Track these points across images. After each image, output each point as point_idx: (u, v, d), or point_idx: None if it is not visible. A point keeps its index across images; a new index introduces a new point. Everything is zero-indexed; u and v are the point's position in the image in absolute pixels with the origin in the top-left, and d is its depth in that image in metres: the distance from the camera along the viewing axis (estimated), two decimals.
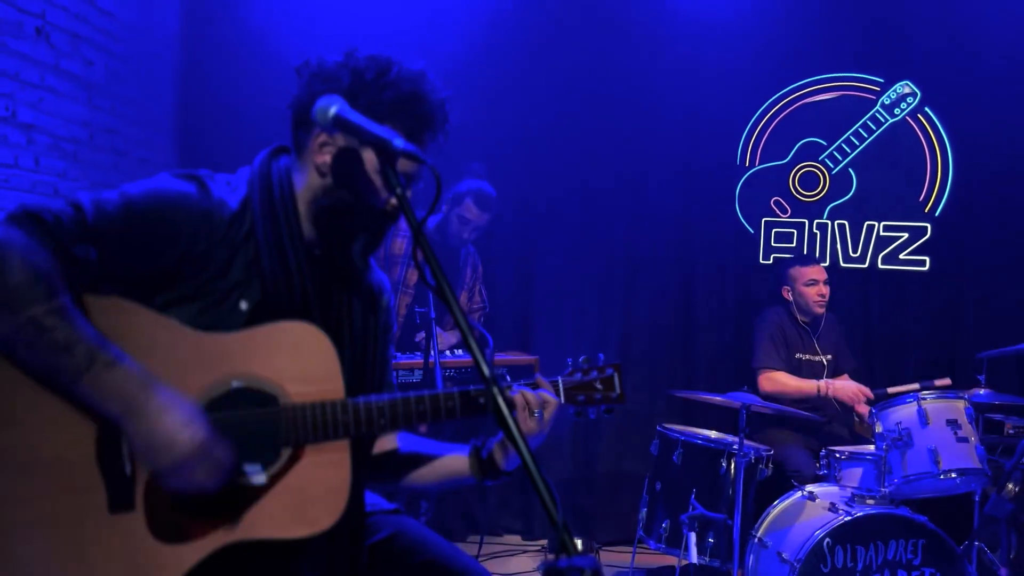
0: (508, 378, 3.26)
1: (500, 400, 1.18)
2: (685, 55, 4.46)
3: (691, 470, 3.52)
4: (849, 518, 3.00)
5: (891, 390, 3.71)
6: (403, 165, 1.41)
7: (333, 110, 1.35)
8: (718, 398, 3.36)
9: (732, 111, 4.52)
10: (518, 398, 1.60)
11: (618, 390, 1.72)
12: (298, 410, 1.39)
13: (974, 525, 3.55)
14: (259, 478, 1.34)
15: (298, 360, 1.40)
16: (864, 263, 4.47)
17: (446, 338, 3.38)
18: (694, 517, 2.83)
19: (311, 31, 4.31)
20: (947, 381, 3.66)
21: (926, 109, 4.41)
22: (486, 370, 1.20)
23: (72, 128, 3.60)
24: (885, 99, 4.44)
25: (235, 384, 1.37)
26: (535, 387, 1.64)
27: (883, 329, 4.46)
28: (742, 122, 4.53)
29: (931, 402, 3.19)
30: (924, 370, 4.19)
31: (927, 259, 4.41)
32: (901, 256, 4.44)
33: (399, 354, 3.14)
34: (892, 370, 4.38)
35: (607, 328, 4.54)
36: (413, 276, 3.50)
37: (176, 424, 1.29)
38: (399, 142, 1.32)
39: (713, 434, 3.74)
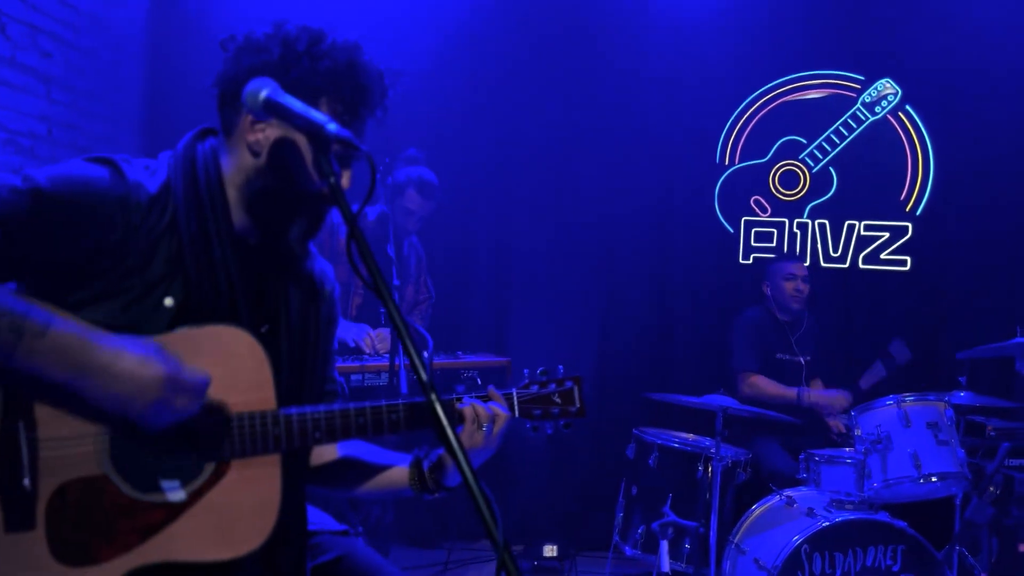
0: (479, 381, 3.17)
1: (438, 410, 1.09)
2: (665, 52, 4.38)
3: (667, 474, 3.43)
4: (828, 524, 2.92)
5: (863, 385, 3.67)
6: (362, 148, 1.31)
7: (264, 94, 1.25)
8: (695, 401, 3.27)
9: (711, 109, 4.44)
10: (467, 411, 1.52)
11: (578, 404, 1.64)
12: (223, 421, 1.29)
13: (955, 529, 3.49)
14: (177, 495, 1.24)
15: (225, 367, 1.29)
16: (845, 263, 4.40)
17: (389, 335, 3.24)
18: (666, 525, 2.75)
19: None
20: (907, 354, 3.61)
21: (907, 107, 4.35)
22: (424, 375, 1.10)
23: (29, 122, 3.48)
24: (866, 97, 4.38)
25: None
26: (487, 399, 1.54)
27: (863, 330, 4.39)
28: (721, 120, 4.46)
29: (911, 404, 3.12)
30: (905, 371, 4.13)
31: (908, 259, 4.35)
32: (882, 256, 4.38)
33: (366, 356, 3.03)
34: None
35: (585, 329, 4.46)
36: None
37: (134, 365, 1.20)
38: (333, 127, 1.22)
39: (691, 437, 3.67)
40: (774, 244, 4.43)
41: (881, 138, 4.38)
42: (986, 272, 4.27)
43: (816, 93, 4.41)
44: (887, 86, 4.35)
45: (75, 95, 3.76)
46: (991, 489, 3.73)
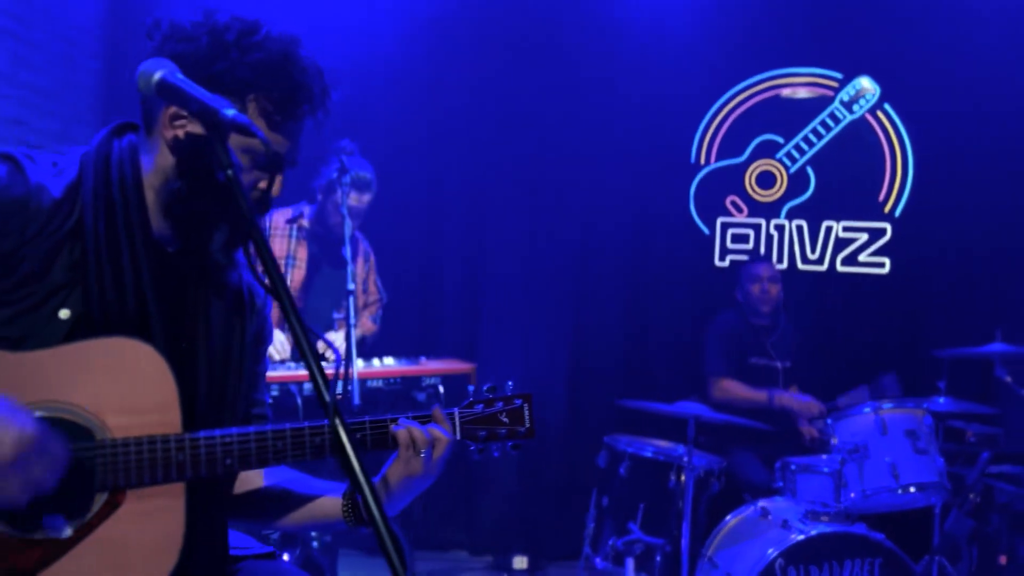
0: (440, 389, 3.04)
1: (342, 433, 0.96)
2: (639, 49, 4.27)
3: (638, 484, 3.32)
4: (803, 537, 2.81)
5: (840, 402, 3.57)
6: (264, 140, 1.17)
7: (157, 75, 1.13)
8: (666, 409, 3.16)
9: (687, 107, 4.34)
10: (402, 434, 1.37)
11: (527, 424, 1.50)
12: (119, 447, 1.15)
13: (934, 540, 3.39)
14: (62, 531, 1.10)
15: (124, 385, 1.16)
16: (823, 265, 4.31)
17: (334, 340, 3.11)
18: (630, 542, 2.63)
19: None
20: (895, 386, 3.53)
21: (885, 106, 4.26)
22: (326, 396, 0.97)
23: None
24: (844, 95, 4.28)
25: (38, 415, 1.11)
26: (425, 421, 1.41)
27: (842, 334, 4.30)
28: (696, 118, 4.35)
29: (889, 412, 3.02)
30: (884, 376, 4.04)
31: (887, 261, 4.26)
32: (860, 258, 4.28)
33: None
34: (851, 376, 4.21)
35: (558, 333, 4.34)
36: (298, 276, 3.23)
37: None
38: (230, 112, 1.09)
39: (664, 445, 3.55)
40: (751, 246, 4.32)
41: (859, 137, 4.29)
42: (966, 275, 4.19)
43: (793, 91, 4.31)
44: (865, 84, 4.26)
45: (23, 90, 3.60)
46: (971, 497, 3.65)
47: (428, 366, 2.96)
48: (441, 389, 2.91)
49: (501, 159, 4.30)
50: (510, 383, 1.58)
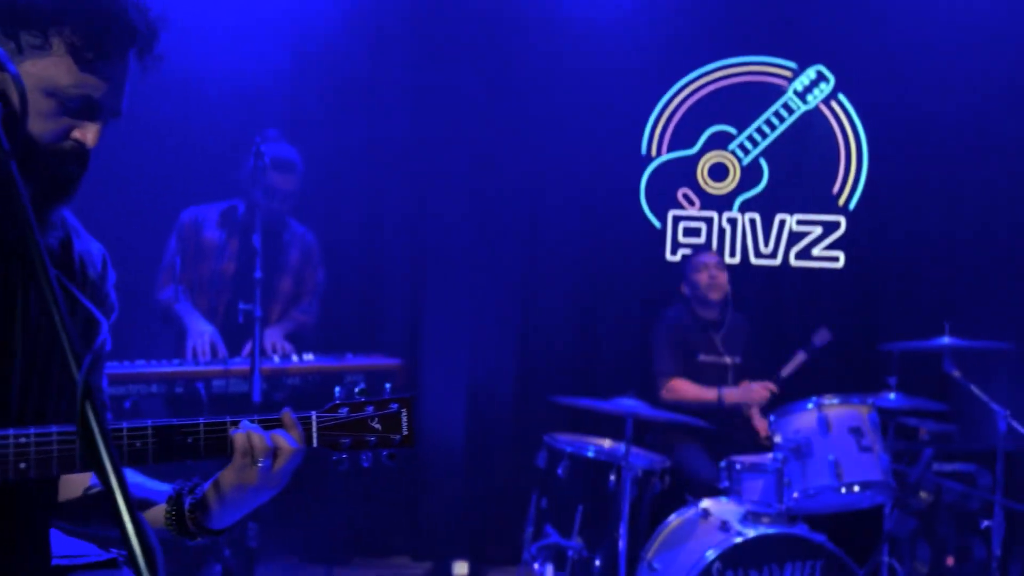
0: (361, 386, 2.88)
1: (97, 440, 0.79)
2: (587, 39, 4.14)
3: (577, 485, 3.18)
4: (741, 539, 2.69)
5: (783, 372, 3.47)
6: (15, 75, 1.01)
7: None
8: (603, 406, 3.02)
9: (637, 97, 4.21)
10: (239, 440, 1.21)
11: (405, 431, 1.33)
12: None
13: (883, 541, 3.28)
14: None
15: None
16: (776, 259, 4.19)
17: (269, 335, 2.94)
18: (545, 547, 2.49)
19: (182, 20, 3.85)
20: (827, 336, 3.43)
21: (839, 96, 4.16)
22: (76, 374, 0.81)
23: None
24: (797, 85, 4.18)
25: None
26: (272, 426, 1.25)
27: (796, 329, 4.17)
28: (647, 108, 4.22)
29: (832, 409, 2.91)
30: (838, 372, 3.93)
31: (841, 255, 4.15)
32: (814, 252, 4.17)
33: (228, 360, 2.73)
34: (806, 372, 4.09)
35: (503, 329, 4.19)
36: (228, 270, 3.07)
37: None
38: None
39: (607, 444, 3.42)
40: (702, 240, 4.20)
41: (813, 129, 4.18)
42: (921, 269, 4.10)
43: (746, 80, 4.20)
44: (820, 74, 4.15)
45: None
46: (923, 494, 3.54)
47: (349, 362, 2.81)
48: (362, 386, 2.74)
49: (445, 152, 4.14)
50: (388, 385, 1.43)
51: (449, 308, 4.15)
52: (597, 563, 3.10)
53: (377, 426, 1.31)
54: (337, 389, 1.36)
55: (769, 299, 4.21)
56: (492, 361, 4.17)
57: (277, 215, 3.04)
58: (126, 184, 3.61)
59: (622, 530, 2.89)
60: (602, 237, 4.23)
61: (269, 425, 1.25)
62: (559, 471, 3.19)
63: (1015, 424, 2.98)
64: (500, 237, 4.18)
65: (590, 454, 3.18)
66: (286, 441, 1.24)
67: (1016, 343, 3.80)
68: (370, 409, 1.31)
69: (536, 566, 3.25)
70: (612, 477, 3.09)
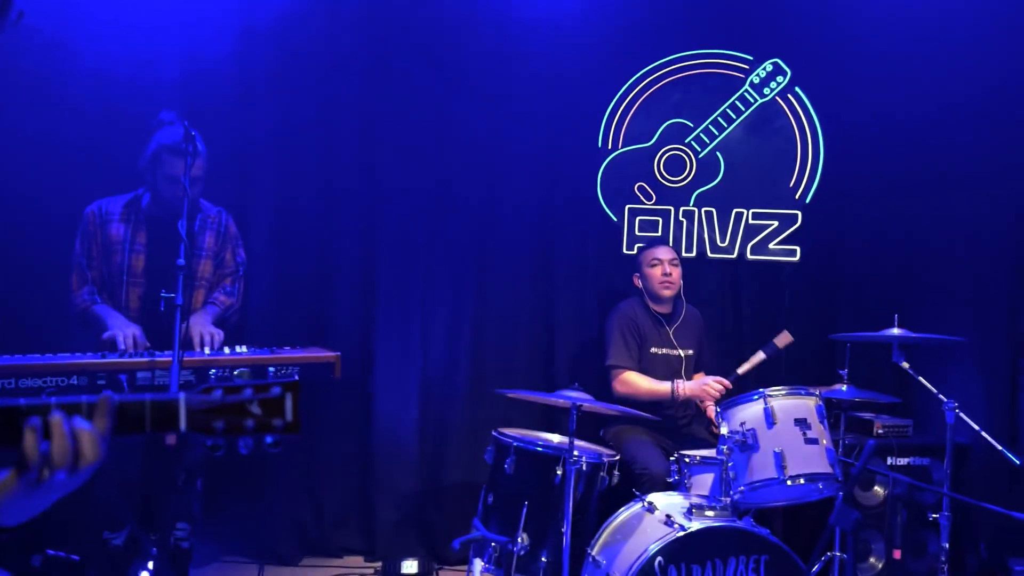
0: (295, 379, 2.80)
1: None
2: (543, 30, 4.08)
3: (523, 480, 3.11)
4: (683, 533, 2.63)
5: (740, 370, 3.42)
6: None
7: None
8: (545, 397, 2.96)
9: (593, 89, 4.16)
10: (28, 440, 1.06)
11: (289, 416, 1.23)
12: None
13: (835, 535, 3.24)
14: None
15: None
16: (732, 253, 4.15)
17: (196, 324, 2.82)
18: (468, 542, 2.41)
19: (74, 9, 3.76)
20: (788, 338, 3.38)
21: (796, 89, 4.13)
22: None
23: None
24: (754, 78, 4.15)
25: None
26: (83, 410, 1.11)
27: (754, 323, 4.15)
28: (604, 102, 4.17)
29: (778, 399, 2.86)
30: (794, 365, 3.90)
31: (797, 249, 4.12)
32: (770, 246, 4.14)
33: (156, 352, 2.64)
34: (763, 366, 4.06)
35: (458, 324, 4.12)
36: (139, 263, 2.97)
37: None
38: None
39: (556, 439, 3.36)
40: (659, 233, 4.15)
41: (770, 122, 4.15)
42: (877, 263, 4.07)
43: (703, 73, 4.16)
44: (777, 66, 4.12)
45: None
46: (877, 488, 3.50)
47: (284, 354, 2.72)
48: (296, 378, 2.66)
49: (398, 145, 4.07)
50: (272, 369, 1.35)
51: (402, 303, 4.07)
52: (543, 559, 3.03)
53: (257, 410, 1.22)
54: (213, 371, 1.28)
55: (726, 293, 4.17)
56: (446, 356, 4.10)
57: (181, 200, 2.91)
58: (31, 179, 3.50)
59: (566, 525, 2.82)
60: (558, 230, 4.17)
61: (74, 411, 1.10)
62: (506, 466, 3.13)
63: (963, 416, 2.95)
64: (455, 230, 4.12)
65: (536, 448, 3.11)
66: (87, 432, 1.09)
67: (966, 336, 3.79)
68: (248, 392, 1.23)
69: (480, 563, 3.19)
70: (559, 472, 3.03)
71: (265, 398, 1.24)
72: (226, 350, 2.70)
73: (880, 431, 3.63)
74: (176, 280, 2.40)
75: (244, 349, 2.72)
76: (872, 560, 3.51)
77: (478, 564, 2.34)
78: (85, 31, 3.71)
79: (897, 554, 3.10)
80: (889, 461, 3.53)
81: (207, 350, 2.70)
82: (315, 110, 4.02)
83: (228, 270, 3.15)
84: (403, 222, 4.08)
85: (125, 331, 2.69)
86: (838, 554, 3.28)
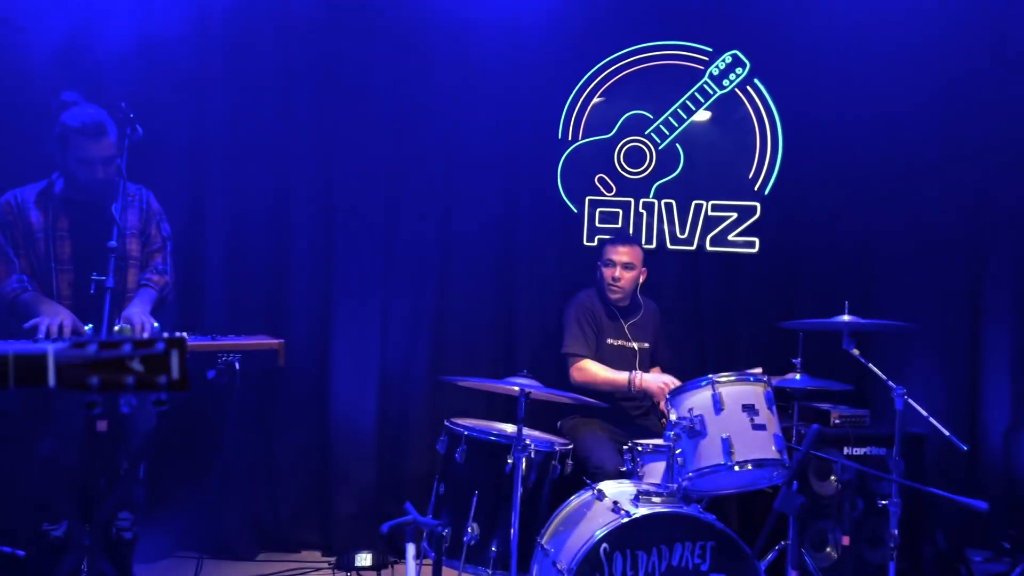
0: (236, 367, 2.76)
1: None
2: (502, 21, 4.07)
3: (474, 469, 3.09)
4: (627, 519, 2.61)
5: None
6: None
7: None
8: (492, 383, 2.94)
9: (553, 81, 4.14)
10: None
11: (176, 374, 1.18)
12: None
13: (789, 524, 3.24)
14: None
15: None
16: (692, 245, 4.15)
17: (136, 317, 2.74)
18: (400, 525, 2.38)
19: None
20: (758, 371, 3.38)
21: (755, 81, 4.13)
22: None
23: None
24: (713, 69, 4.15)
25: None
26: None
27: (713, 314, 4.15)
28: (564, 92, 4.16)
29: (726, 385, 2.85)
30: (751, 355, 3.90)
31: (756, 240, 4.12)
32: (730, 237, 4.14)
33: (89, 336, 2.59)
34: (723, 357, 4.07)
35: (419, 315, 4.09)
36: (65, 249, 2.89)
37: None
38: None
39: (510, 429, 3.34)
40: (619, 225, 4.15)
41: (729, 114, 4.15)
42: (836, 254, 4.08)
43: (662, 64, 4.16)
44: (735, 58, 4.13)
45: None
46: (832, 479, 3.51)
47: (226, 341, 2.68)
48: (237, 366, 2.63)
49: (356, 136, 4.03)
50: (155, 325, 1.30)
51: (361, 295, 4.04)
52: (494, 548, 3.01)
53: (138, 367, 1.18)
54: (89, 326, 1.24)
55: (685, 284, 4.17)
56: (406, 347, 4.07)
57: (102, 182, 2.85)
58: None
59: (514, 513, 2.80)
60: (519, 222, 4.15)
61: None
62: (457, 455, 3.10)
63: (912, 402, 2.95)
64: (415, 221, 4.09)
65: (486, 437, 3.09)
66: None
67: (926, 324, 3.81)
68: (127, 348, 1.18)
69: (433, 555, 3.15)
70: (509, 461, 3.00)
71: (148, 354, 1.20)
72: (165, 336, 2.64)
73: (837, 421, 3.63)
74: (107, 262, 2.34)
75: (184, 335, 2.67)
76: (828, 550, 3.51)
77: (411, 548, 2.32)
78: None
79: (846, 540, 3.10)
80: (846, 451, 3.53)
81: (145, 335, 2.66)
82: (271, 97, 3.98)
83: (156, 246, 3.08)
84: (362, 213, 4.04)
85: (53, 319, 2.61)
86: (790, 542, 3.28)
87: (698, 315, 4.15)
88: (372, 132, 4.03)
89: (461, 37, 4.05)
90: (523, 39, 4.08)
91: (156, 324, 2.76)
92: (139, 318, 2.70)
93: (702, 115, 4.15)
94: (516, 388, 2.87)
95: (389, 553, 3.45)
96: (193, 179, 3.89)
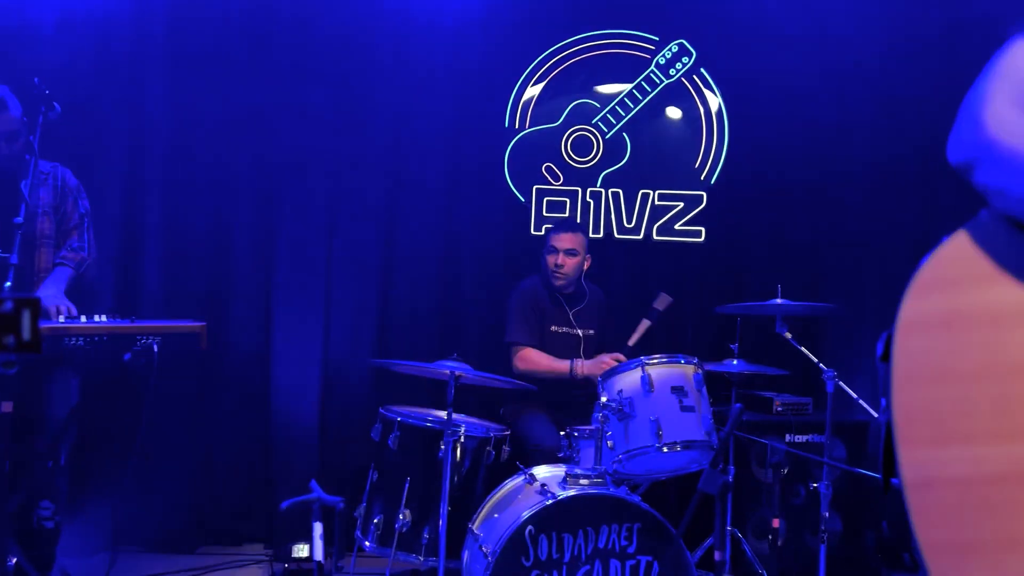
0: (155, 349, 2.70)
1: None
2: (448, 8, 4.04)
3: (407, 456, 3.07)
4: (552, 501, 2.59)
5: (630, 342, 3.41)
6: None
7: None
8: (421, 367, 2.91)
9: (500, 69, 4.12)
10: None
11: (27, 335, 1.13)
12: None
13: (727, 508, 3.23)
14: None
15: None
16: (639, 234, 4.14)
17: (51, 299, 2.66)
18: (303, 503, 2.34)
19: None
20: (666, 299, 3.38)
21: (702, 70, 4.14)
22: None
23: None
24: (660, 59, 4.15)
25: None
26: None
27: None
28: (510, 81, 4.14)
29: (656, 368, 2.83)
30: (696, 343, 3.90)
31: (702, 229, 4.12)
32: (676, 227, 4.14)
33: None
34: (672, 345, 4.04)
35: (363, 305, 4.04)
36: None
37: None
38: None
39: (442, 414, 3.30)
40: (567, 214, 4.13)
41: (676, 103, 4.15)
42: (781, 242, 4.09)
43: (608, 53, 4.15)
44: (682, 47, 4.13)
45: None
46: (778, 467, 3.50)
47: (144, 324, 2.63)
48: (156, 349, 2.58)
49: (298, 123, 3.98)
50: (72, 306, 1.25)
51: (303, 283, 3.99)
52: (426, 535, 2.98)
53: None
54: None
55: (634, 273, 4.16)
56: (350, 336, 4.03)
57: (6, 159, 2.78)
58: None
59: (443, 498, 2.77)
60: (466, 210, 4.12)
61: None
62: (390, 442, 3.07)
63: (843, 385, 2.95)
64: (360, 208, 4.04)
65: (419, 423, 3.06)
66: None
67: (875, 311, 3.83)
68: None
69: (366, 544, 3.12)
70: (442, 447, 2.97)
71: None
72: (83, 319, 2.60)
73: (779, 408, 3.63)
74: (13, 238, 2.29)
75: (103, 318, 2.63)
76: (771, 536, 3.50)
77: (318, 527, 2.28)
78: None
79: (776, 523, 3.09)
80: (788, 438, 3.53)
81: (62, 318, 2.60)
82: (210, 84, 3.92)
83: (72, 223, 3.03)
84: (304, 200, 3.99)
85: None
86: (729, 528, 3.28)
87: (644, 303, 4.12)
88: (314, 119, 3.98)
89: (405, 25, 4.02)
90: (469, 28, 4.05)
91: (74, 307, 2.71)
92: (51, 301, 2.64)
93: (648, 104, 4.14)
94: (447, 372, 2.83)
95: (285, 532, 3.40)
96: (131, 162, 3.83)
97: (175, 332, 2.66)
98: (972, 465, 0.84)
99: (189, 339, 2.69)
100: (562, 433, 3.19)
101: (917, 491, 0.87)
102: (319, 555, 2.23)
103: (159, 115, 3.88)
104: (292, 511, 2.28)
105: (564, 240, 3.66)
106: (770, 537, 3.48)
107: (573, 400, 3.62)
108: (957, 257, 0.87)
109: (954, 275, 0.87)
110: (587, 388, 3.66)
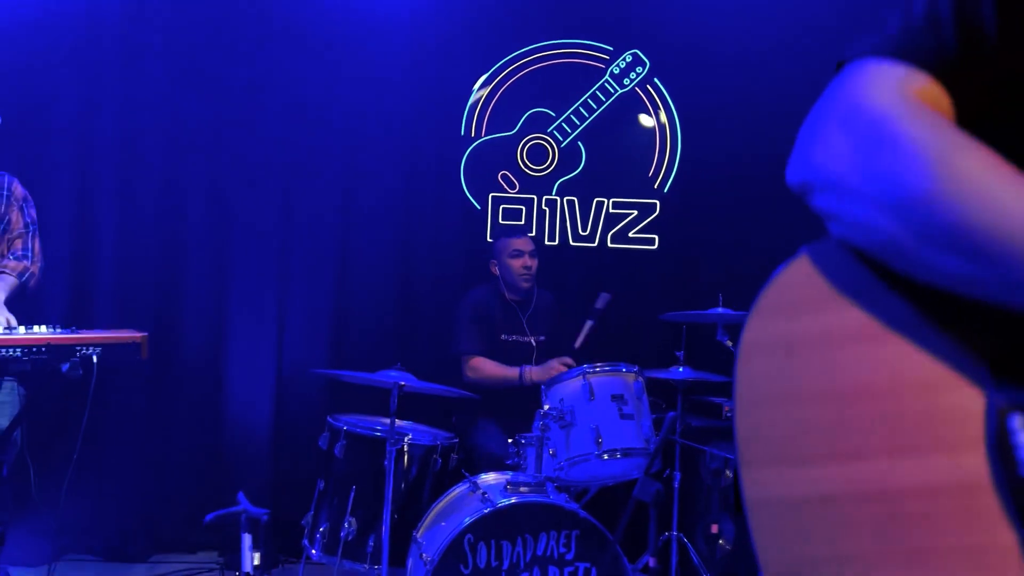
0: (94, 360, 2.70)
1: None
2: (403, 16, 4.07)
3: (353, 464, 3.08)
4: (490, 509, 2.61)
5: (576, 344, 3.44)
6: None
7: None
8: (365, 377, 2.93)
9: (455, 77, 4.15)
10: None
11: None
12: None
13: (674, 513, 3.27)
14: None
15: None
16: (594, 242, 4.18)
17: None
18: (230, 515, 2.35)
19: None
20: (605, 297, 3.50)
21: (655, 80, 4.19)
22: None
23: None
24: (614, 68, 4.19)
25: None
26: None
27: (617, 310, 4.15)
28: (466, 89, 4.17)
29: (597, 375, 2.87)
30: (651, 353, 3.93)
31: (656, 237, 4.17)
32: (630, 235, 4.18)
33: None
34: (626, 353, 4.07)
35: (317, 313, 4.06)
36: None
37: None
38: None
39: (399, 424, 3.32)
40: (523, 222, 4.16)
41: (630, 112, 4.20)
42: (734, 250, 4.13)
43: (564, 63, 4.19)
44: (635, 57, 4.17)
45: None
46: (727, 472, 3.54)
47: (85, 334, 2.63)
48: (95, 359, 2.58)
49: (251, 130, 3.99)
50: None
51: (257, 291, 4.00)
52: (371, 543, 2.99)
53: None
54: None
55: (589, 281, 4.19)
56: (304, 343, 4.04)
57: None
58: None
59: (386, 506, 2.79)
60: (421, 217, 4.14)
61: None
62: (336, 451, 3.08)
63: None
64: (313, 218, 4.06)
65: (365, 432, 3.08)
66: None
67: None
68: None
69: (313, 553, 3.13)
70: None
71: None
72: (21, 329, 2.60)
73: (728, 413, 3.67)
74: None
75: (43, 329, 2.63)
76: (721, 542, 3.54)
77: (247, 539, 2.29)
78: None
79: (714, 528, 3.14)
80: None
81: (1, 328, 2.60)
82: (162, 90, 3.92)
83: (17, 232, 3.02)
84: (258, 208, 4.00)
85: None
86: (675, 533, 3.32)
87: (599, 310, 4.17)
88: (268, 126, 3.99)
89: (361, 33, 4.04)
90: (424, 36, 4.08)
91: (11, 316, 2.70)
92: None
93: (603, 114, 4.18)
94: (390, 382, 2.85)
95: (212, 544, 3.40)
96: (82, 171, 3.82)
97: (115, 342, 2.65)
98: (807, 485, 0.88)
99: (136, 349, 2.69)
100: (510, 440, 3.21)
101: (757, 511, 0.90)
102: (248, 566, 2.24)
103: (110, 122, 3.88)
104: (217, 523, 2.28)
105: (527, 242, 3.70)
106: (718, 542, 3.53)
107: (525, 408, 3.65)
108: (797, 281, 0.91)
109: (794, 299, 0.90)
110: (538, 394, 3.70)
